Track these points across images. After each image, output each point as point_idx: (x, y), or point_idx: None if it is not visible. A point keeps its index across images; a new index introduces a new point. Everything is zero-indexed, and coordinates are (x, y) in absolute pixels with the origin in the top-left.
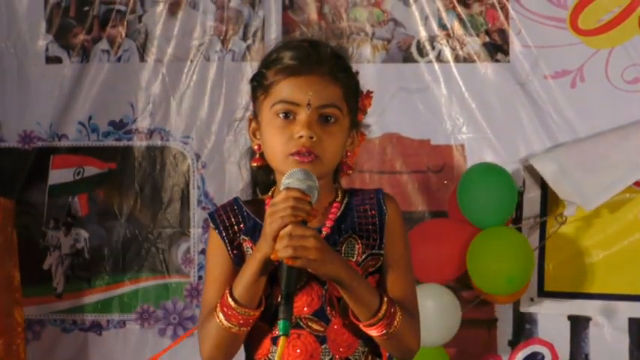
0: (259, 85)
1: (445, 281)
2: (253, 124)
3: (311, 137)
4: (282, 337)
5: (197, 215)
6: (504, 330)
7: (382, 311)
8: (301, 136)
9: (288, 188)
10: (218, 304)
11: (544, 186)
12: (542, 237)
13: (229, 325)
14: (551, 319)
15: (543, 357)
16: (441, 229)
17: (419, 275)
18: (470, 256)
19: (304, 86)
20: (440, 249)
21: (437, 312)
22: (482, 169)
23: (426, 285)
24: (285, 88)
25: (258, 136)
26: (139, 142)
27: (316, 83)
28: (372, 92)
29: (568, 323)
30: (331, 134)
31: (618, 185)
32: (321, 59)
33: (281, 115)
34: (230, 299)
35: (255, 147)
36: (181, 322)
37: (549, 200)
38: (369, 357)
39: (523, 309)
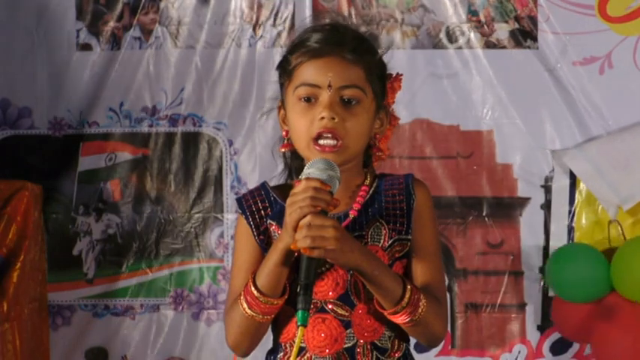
0: (284, 71)
1: None
2: (282, 112)
3: (333, 118)
4: (299, 328)
5: (230, 200)
6: (533, 315)
7: (405, 299)
8: (323, 117)
9: (307, 178)
10: (242, 292)
11: (573, 174)
12: (572, 219)
13: (252, 313)
14: None
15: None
16: None
17: None
18: None
19: (324, 68)
20: None
21: None
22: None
23: None
24: (306, 71)
25: (286, 123)
26: (172, 128)
27: (337, 64)
28: (401, 75)
29: None
30: (354, 115)
31: None
32: (341, 41)
33: (303, 99)
34: (253, 288)
35: (284, 133)
36: (215, 307)
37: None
38: (396, 342)
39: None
